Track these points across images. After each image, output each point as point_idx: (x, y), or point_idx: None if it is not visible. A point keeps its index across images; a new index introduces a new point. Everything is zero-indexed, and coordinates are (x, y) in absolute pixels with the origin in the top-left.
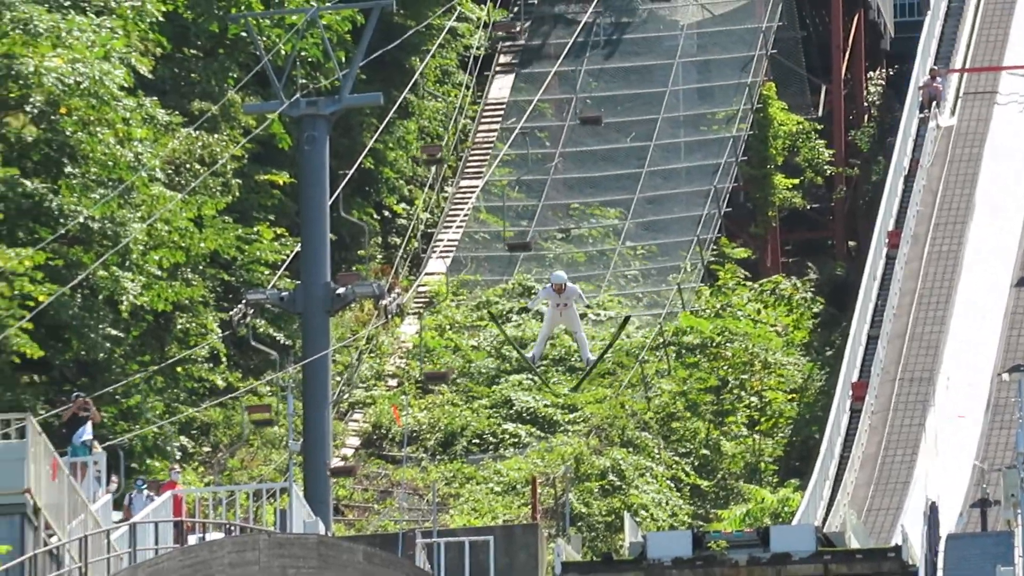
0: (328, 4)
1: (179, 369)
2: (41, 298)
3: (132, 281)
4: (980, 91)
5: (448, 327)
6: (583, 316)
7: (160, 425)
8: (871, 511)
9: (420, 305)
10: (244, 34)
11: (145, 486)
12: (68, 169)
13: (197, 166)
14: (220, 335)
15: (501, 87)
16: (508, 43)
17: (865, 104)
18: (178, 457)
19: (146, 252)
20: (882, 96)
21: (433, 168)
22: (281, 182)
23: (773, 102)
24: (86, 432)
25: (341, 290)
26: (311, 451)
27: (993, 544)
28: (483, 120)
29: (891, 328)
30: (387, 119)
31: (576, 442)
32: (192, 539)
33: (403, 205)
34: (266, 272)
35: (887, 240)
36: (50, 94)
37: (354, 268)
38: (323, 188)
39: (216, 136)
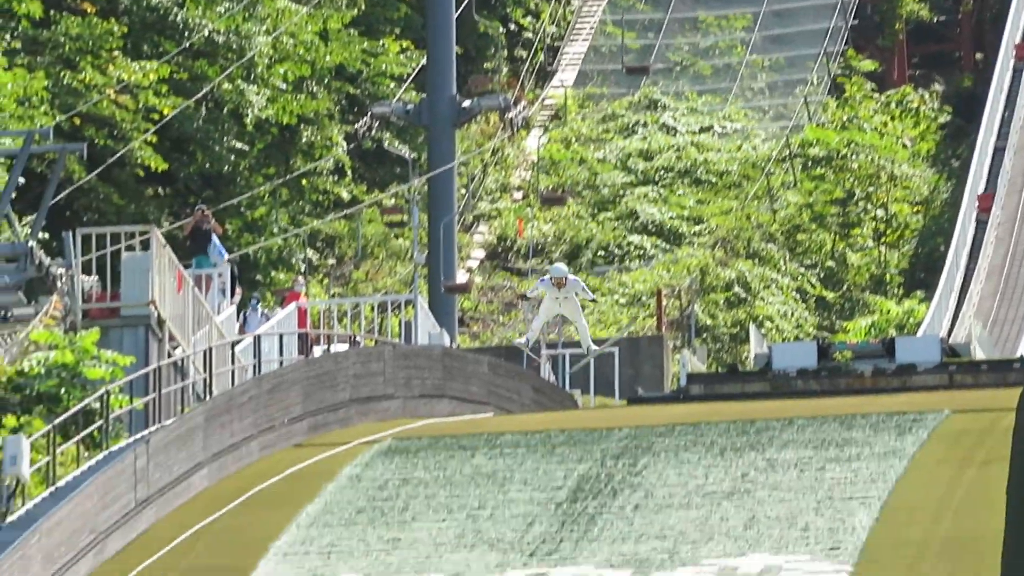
0: None
1: (304, 181)
2: (166, 111)
3: (257, 94)
4: None
5: (574, 139)
6: (596, 302)
7: (285, 237)
8: (996, 322)
9: (546, 118)
10: None
11: (260, 303)
12: None
13: None
14: (346, 148)
15: None
16: None
17: None
18: (303, 269)
19: (271, 65)
20: None
21: None
22: None
23: None
24: (221, 249)
25: (467, 103)
26: (435, 263)
27: None
28: None
29: (1018, 139)
30: None
31: (702, 254)
32: (317, 351)
33: (529, 18)
34: (392, 85)
35: (1015, 52)
36: None
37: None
38: (449, 0)
39: None
